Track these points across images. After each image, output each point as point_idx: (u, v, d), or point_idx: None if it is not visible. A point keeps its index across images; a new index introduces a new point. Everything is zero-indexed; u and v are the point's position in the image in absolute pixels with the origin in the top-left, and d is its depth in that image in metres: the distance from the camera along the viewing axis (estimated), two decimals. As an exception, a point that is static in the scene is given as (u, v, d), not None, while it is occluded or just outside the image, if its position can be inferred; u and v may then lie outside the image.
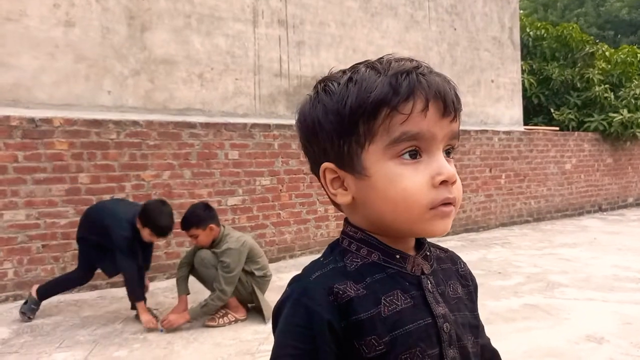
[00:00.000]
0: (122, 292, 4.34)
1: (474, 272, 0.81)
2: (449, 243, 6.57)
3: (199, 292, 3.72)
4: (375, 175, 0.65)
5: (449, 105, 0.64)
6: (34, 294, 3.67)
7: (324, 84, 0.69)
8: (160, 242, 4.83)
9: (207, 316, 3.47)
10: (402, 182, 0.63)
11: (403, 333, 0.64)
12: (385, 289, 0.66)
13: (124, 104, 4.83)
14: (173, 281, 3.81)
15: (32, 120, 4.23)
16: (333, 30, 6.29)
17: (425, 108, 0.63)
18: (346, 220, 0.73)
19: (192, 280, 3.65)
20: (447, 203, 0.64)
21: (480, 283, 0.81)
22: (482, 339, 0.79)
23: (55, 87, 4.49)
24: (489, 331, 0.84)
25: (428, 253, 0.72)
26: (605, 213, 9.62)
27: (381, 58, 0.68)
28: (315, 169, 0.72)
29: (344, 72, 0.69)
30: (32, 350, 3.07)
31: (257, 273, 3.55)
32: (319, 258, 0.72)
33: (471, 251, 5.95)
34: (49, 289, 3.71)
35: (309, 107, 0.70)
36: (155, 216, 3.39)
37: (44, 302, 3.74)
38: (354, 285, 0.65)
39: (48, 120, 4.30)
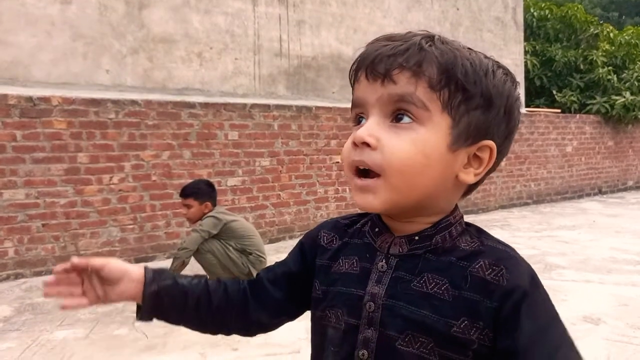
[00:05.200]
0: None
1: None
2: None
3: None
4: None
5: (373, 69, 0.65)
6: None
7: None
8: (160, 222, 4.85)
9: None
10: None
11: (334, 291, 0.72)
12: (349, 251, 0.74)
13: (123, 83, 4.78)
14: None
15: (30, 99, 4.20)
16: (334, 9, 6.20)
17: (357, 75, 0.68)
18: None
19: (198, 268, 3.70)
20: (361, 176, 0.65)
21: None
22: None
23: (53, 66, 4.44)
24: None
25: (416, 237, 0.68)
26: (605, 196, 9.63)
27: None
28: None
29: None
30: (33, 327, 3.09)
31: (249, 249, 3.58)
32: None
33: (470, 233, 5.96)
34: None
35: None
36: None
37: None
38: (336, 238, 0.77)
39: (46, 99, 4.27)
